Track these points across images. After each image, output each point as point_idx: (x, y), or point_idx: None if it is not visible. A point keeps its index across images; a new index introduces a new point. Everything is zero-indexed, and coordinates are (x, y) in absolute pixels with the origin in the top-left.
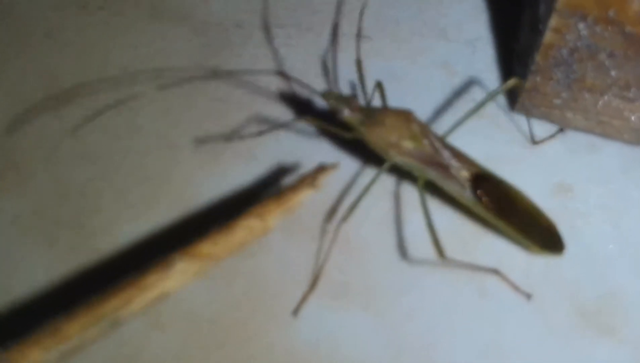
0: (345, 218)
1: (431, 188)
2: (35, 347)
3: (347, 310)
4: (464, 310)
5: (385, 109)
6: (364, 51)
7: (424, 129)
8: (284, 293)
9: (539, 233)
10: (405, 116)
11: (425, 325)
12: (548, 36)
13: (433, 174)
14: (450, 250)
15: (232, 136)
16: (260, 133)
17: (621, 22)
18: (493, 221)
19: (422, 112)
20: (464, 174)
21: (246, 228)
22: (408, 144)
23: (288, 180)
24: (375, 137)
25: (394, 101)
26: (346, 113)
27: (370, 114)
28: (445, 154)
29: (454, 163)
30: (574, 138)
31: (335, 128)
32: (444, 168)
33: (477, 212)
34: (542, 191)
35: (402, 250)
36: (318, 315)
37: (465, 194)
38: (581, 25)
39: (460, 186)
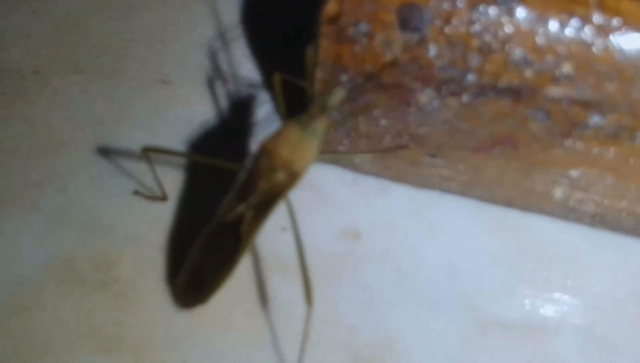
0: None
1: None
2: None
3: None
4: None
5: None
6: (165, 97)
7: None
8: (55, 349)
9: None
10: None
11: None
12: (317, 86)
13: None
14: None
15: (16, 188)
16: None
17: (377, 74)
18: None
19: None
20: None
21: None
22: None
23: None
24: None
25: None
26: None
27: None
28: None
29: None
30: (365, 182)
31: None
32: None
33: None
34: (329, 237)
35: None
36: None
37: None
38: (344, 78)
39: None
